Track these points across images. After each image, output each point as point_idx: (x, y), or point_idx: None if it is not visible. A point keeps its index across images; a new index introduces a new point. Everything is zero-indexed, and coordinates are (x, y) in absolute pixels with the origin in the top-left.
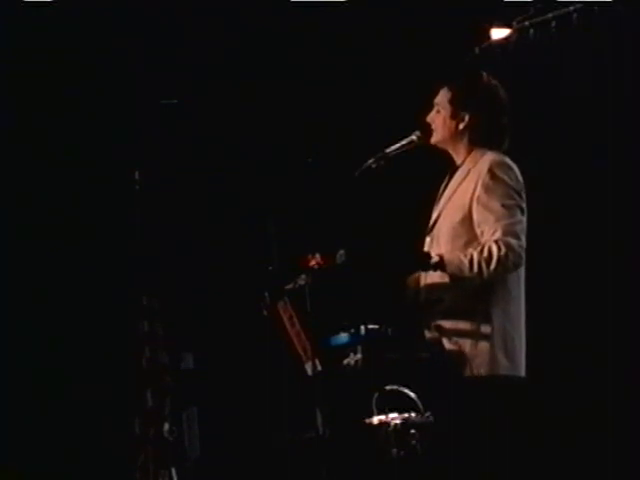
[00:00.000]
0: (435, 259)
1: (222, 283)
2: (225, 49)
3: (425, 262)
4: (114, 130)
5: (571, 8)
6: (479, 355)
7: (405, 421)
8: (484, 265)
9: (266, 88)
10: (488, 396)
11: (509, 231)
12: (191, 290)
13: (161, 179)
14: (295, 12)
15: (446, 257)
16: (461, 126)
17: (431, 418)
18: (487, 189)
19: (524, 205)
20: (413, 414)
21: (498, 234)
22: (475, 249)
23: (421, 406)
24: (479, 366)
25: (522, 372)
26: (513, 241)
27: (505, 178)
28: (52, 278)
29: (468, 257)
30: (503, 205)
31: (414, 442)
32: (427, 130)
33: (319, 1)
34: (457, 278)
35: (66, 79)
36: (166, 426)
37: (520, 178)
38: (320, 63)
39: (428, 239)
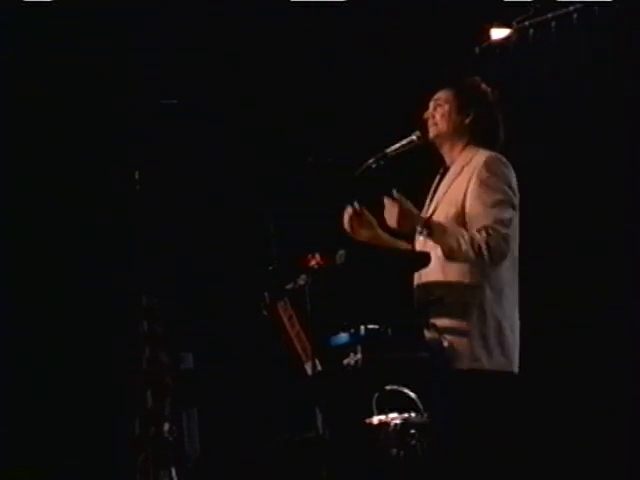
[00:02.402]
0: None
1: (222, 283)
2: (225, 49)
3: (422, 221)
4: (114, 130)
5: (571, 8)
6: (475, 351)
7: (405, 421)
8: (483, 245)
9: (266, 88)
10: (483, 390)
11: (499, 220)
12: (191, 290)
13: (161, 179)
14: (295, 12)
15: (448, 226)
16: (467, 121)
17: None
18: (481, 183)
19: (516, 202)
20: (413, 414)
21: (488, 222)
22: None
23: (421, 406)
24: (476, 361)
25: (516, 369)
26: (502, 230)
27: (499, 174)
28: (52, 278)
29: (469, 234)
30: (495, 199)
31: (414, 442)
32: (423, 127)
33: (319, 1)
34: (448, 249)
35: (66, 79)
36: (166, 426)
37: (513, 176)
38: (320, 63)
39: (421, 238)
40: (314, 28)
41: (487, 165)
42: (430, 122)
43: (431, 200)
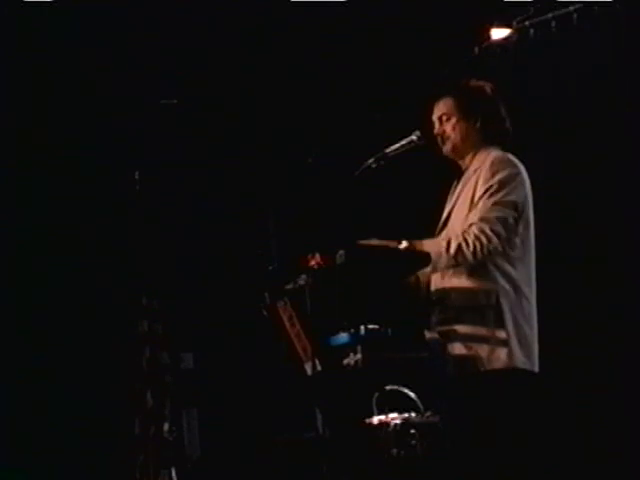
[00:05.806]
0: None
1: (222, 283)
2: (225, 49)
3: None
4: (114, 130)
5: (571, 8)
6: (496, 351)
7: (405, 421)
8: (454, 245)
9: (266, 88)
10: (508, 388)
11: (482, 218)
12: (191, 290)
13: (161, 179)
14: (295, 12)
15: (425, 243)
16: (477, 125)
17: (431, 418)
18: (484, 183)
19: (519, 199)
20: (413, 414)
21: (474, 219)
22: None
23: (421, 406)
24: (497, 360)
25: (537, 368)
26: (485, 226)
27: (502, 173)
28: (52, 278)
29: (446, 240)
30: (490, 200)
31: (414, 442)
32: (435, 144)
33: (319, 1)
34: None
35: (66, 79)
36: (166, 426)
37: (519, 173)
38: (320, 63)
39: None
40: (314, 28)
41: (491, 167)
42: (442, 138)
43: (449, 203)
